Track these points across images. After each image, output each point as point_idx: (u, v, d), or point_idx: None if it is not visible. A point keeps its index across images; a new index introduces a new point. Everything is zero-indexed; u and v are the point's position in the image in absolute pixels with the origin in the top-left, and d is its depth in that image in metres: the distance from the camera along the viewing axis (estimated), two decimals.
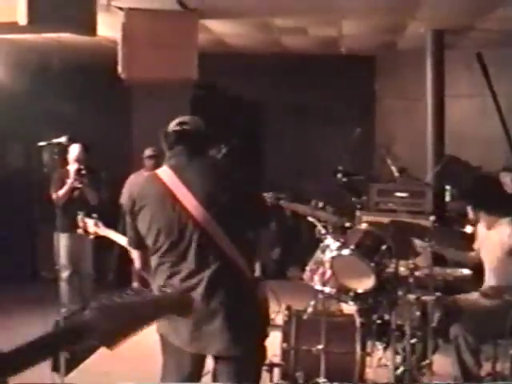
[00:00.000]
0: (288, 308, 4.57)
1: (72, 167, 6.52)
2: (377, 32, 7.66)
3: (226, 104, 8.91)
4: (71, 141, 6.09)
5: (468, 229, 5.10)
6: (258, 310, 3.12)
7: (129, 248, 3.25)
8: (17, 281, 7.69)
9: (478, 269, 4.64)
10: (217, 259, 2.97)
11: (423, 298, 4.32)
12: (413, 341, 4.30)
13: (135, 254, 3.20)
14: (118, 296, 1.65)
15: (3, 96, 7.89)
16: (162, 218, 3.01)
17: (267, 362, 4.01)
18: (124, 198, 7.04)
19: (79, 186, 6.47)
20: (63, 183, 6.45)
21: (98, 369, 4.39)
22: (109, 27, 6.35)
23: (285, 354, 4.33)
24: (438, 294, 4.43)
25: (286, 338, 4.36)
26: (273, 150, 9.39)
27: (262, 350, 3.19)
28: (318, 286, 4.35)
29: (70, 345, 1.66)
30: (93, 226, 3.92)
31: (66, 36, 6.63)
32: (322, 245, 4.45)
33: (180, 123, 3.17)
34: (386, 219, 5.27)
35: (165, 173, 3.09)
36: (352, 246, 4.26)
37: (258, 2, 6.31)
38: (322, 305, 4.47)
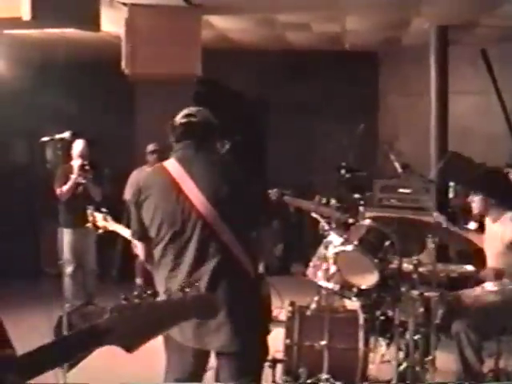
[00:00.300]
0: (291, 304, 4.56)
1: (76, 163, 6.52)
2: (380, 28, 7.65)
3: (229, 100, 8.89)
4: (75, 136, 6.08)
5: (471, 225, 5.09)
6: (260, 306, 3.12)
7: (132, 240, 3.25)
8: (20, 276, 7.70)
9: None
10: (218, 253, 2.98)
11: (426, 294, 4.31)
12: (416, 337, 4.29)
13: (139, 246, 3.20)
14: (136, 297, 1.63)
15: (7, 91, 7.89)
16: (166, 209, 3.01)
17: (270, 357, 4.02)
18: (127, 193, 7.05)
19: (83, 181, 6.47)
20: (67, 179, 6.44)
21: (100, 365, 4.38)
22: (112, 23, 6.35)
23: (288, 349, 4.33)
24: (441, 290, 4.43)
25: (289, 334, 4.35)
26: (276, 145, 9.38)
27: (264, 346, 3.19)
28: (322, 282, 4.34)
29: (89, 348, 1.64)
30: (102, 220, 3.93)
31: (69, 31, 6.62)
32: (325, 241, 4.44)
33: (187, 115, 3.16)
34: (389, 215, 5.26)
35: (171, 165, 3.09)
36: (355, 242, 4.26)
37: None
38: (326, 301, 4.47)
